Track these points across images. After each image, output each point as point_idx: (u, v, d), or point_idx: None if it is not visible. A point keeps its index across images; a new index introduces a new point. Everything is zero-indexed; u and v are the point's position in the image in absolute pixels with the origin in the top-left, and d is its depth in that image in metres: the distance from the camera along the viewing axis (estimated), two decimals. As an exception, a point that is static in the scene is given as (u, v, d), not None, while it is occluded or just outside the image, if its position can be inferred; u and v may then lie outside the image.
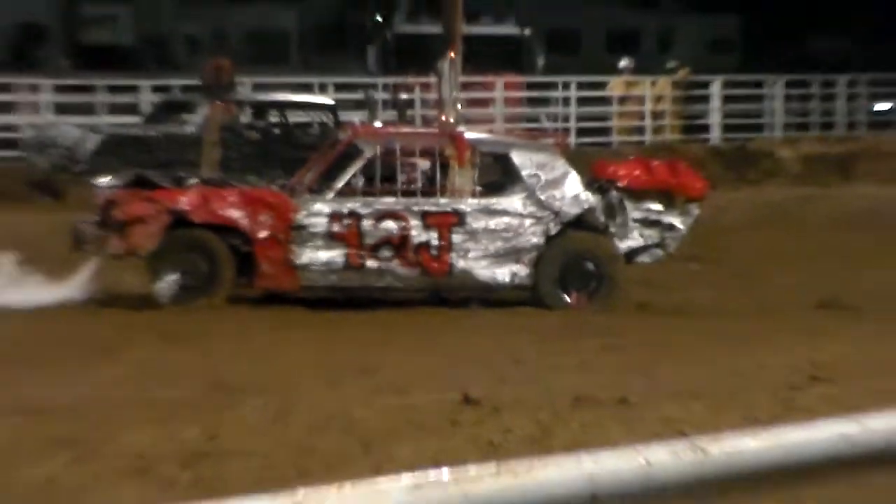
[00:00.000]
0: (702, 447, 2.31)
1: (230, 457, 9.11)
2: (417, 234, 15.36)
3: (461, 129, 16.63)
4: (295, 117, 27.03)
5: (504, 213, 15.51)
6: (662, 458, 2.26)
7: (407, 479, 1.96)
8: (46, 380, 11.53)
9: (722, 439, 2.32)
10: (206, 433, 9.64)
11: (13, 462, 8.88)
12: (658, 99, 34.00)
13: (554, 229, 15.54)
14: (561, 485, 2.11)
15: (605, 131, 33.06)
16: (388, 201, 15.43)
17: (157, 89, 30.64)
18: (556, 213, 15.55)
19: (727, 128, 34.29)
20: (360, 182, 15.60)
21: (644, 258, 16.05)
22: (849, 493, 7.43)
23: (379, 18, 41.72)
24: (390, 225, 15.36)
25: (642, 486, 2.22)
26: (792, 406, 10.18)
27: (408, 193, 15.63)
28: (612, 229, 15.83)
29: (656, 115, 33.82)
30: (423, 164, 16.17)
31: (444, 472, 2.02)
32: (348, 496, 1.93)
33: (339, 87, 31.36)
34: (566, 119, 32.93)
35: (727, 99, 34.74)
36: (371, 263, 15.34)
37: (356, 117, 25.59)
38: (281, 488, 2.62)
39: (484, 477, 2.06)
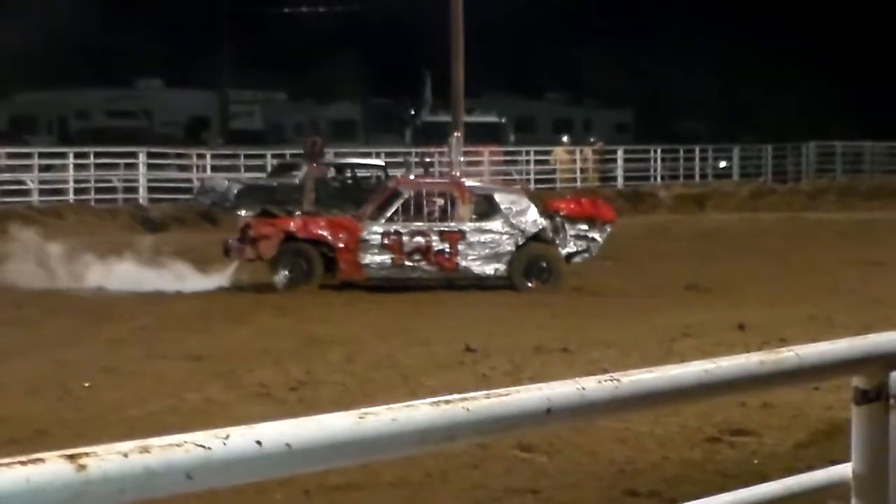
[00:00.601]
0: (616, 378, 2.23)
1: (320, 385, 9.05)
2: (436, 244, 15.32)
3: (463, 179, 16.62)
4: (360, 173, 26.98)
5: (490, 231, 15.45)
6: (591, 385, 2.19)
7: (430, 400, 1.90)
8: (205, 336, 11.47)
9: (628, 373, 2.25)
10: (305, 370, 9.58)
11: (185, 388, 8.84)
12: (584, 160, 33.94)
13: (521, 241, 15.49)
14: (528, 401, 2.05)
15: (551, 181, 32.94)
16: (418, 224, 15.39)
17: (275, 156, 30.62)
18: (522, 231, 15.50)
19: (627, 178, 34.18)
20: (401, 212, 15.57)
21: (577, 259, 15.99)
22: (709, 407, 7.37)
23: (412, 112, 42.00)
24: (419, 239, 15.31)
25: (579, 403, 2.15)
26: (671, 351, 10.12)
27: (430, 219, 15.59)
28: (557, 241, 15.77)
29: (583, 171, 33.72)
30: (440, 201, 16.11)
31: (455, 396, 1.95)
32: (393, 412, 1.86)
33: (388, 155, 31.27)
34: (528, 173, 32.79)
35: (626, 160, 34.68)
36: (408, 263, 15.30)
37: (398, 172, 25.49)
38: (350, 407, 2.56)
39: (479, 398, 1.99)
